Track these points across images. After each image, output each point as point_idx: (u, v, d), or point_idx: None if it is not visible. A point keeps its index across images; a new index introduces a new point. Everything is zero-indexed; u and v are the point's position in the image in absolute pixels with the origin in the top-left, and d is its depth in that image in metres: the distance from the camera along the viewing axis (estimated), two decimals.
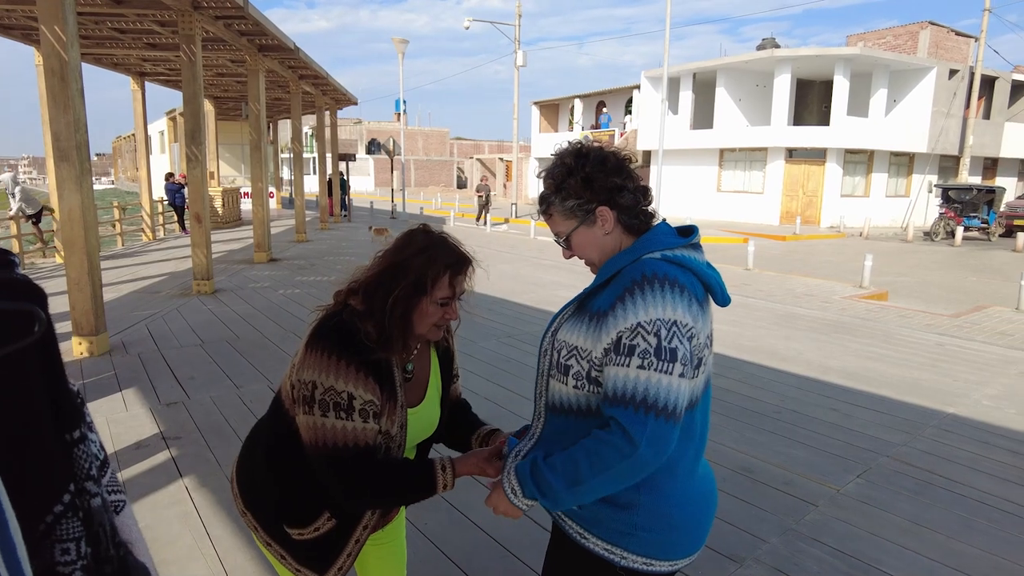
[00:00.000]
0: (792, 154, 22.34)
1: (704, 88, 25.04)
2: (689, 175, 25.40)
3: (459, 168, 57.61)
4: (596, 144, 1.36)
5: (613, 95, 30.71)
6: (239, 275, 10.39)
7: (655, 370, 1.14)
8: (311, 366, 1.35)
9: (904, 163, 23.84)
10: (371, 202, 30.35)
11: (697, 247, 1.33)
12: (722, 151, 24.15)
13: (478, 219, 20.91)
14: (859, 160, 22.62)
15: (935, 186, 21.73)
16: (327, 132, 20.35)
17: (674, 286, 1.19)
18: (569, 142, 1.39)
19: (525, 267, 11.70)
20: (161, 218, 17.61)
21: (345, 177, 22.82)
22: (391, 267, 1.42)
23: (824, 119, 22.60)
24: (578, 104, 32.23)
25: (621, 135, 28.23)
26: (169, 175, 18.28)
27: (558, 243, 1.40)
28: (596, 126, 30.48)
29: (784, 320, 7.66)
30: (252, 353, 5.83)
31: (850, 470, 3.64)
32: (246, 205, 21.89)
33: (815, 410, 4.57)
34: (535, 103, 35.07)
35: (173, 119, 25.69)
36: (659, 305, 1.17)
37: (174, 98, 21.22)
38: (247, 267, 11.30)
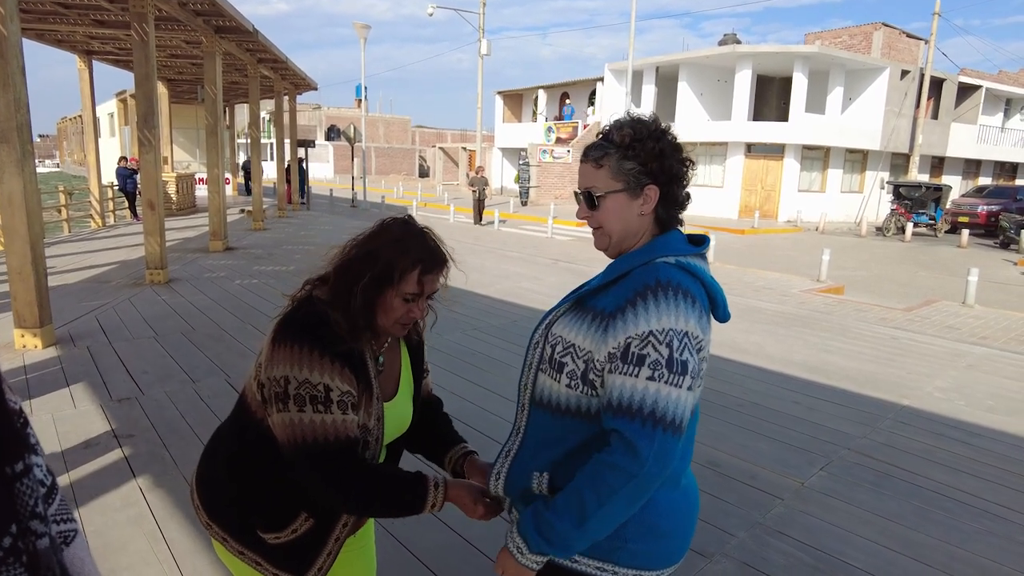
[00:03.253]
0: (751, 149, 22.76)
1: (667, 82, 25.27)
2: None
3: (421, 157, 57.01)
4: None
5: (577, 87, 30.75)
6: (194, 264, 10.05)
7: (665, 382, 1.10)
8: (281, 361, 1.28)
9: (858, 160, 24.53)
10: (331, 190, 29.79)
11: (705, 258, 1.29)
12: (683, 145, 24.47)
13: (479, 218, 18.49)
14: (816, 156, 23.18)
15: (887, 183, 22.41)
16: (286, 117, 19.83)
17: (687, 296, 1.15)
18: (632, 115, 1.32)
19: (489, 259, 11.63)
20: (112, 204, 16.93)
21: (304, 164, 22.31)
22: (362, 255, 1.37)
23: (783, 115, 23.08)
24: (542, 95, 32.17)
25: (584, 127, 28.31)
26: (121, 159, 17.58)
27: (580, 196, 1.31)
28: (560, 117, 30.48)
29: (744, 313, 7.78)
30: (208, 346, 5.63)
31: (813, 463, 3.70)
32: (201, 191, 21.23)
33: (778, 403, 4.65)
34: (499, 93, 34.89)
35: (124, 101, 24.70)
36: (672, 314, 1.13)
37: (124, 79, 20.43)
38: (203, 256, 10.94)
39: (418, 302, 1.39)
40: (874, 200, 24.44)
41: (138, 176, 17.00)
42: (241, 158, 29.88)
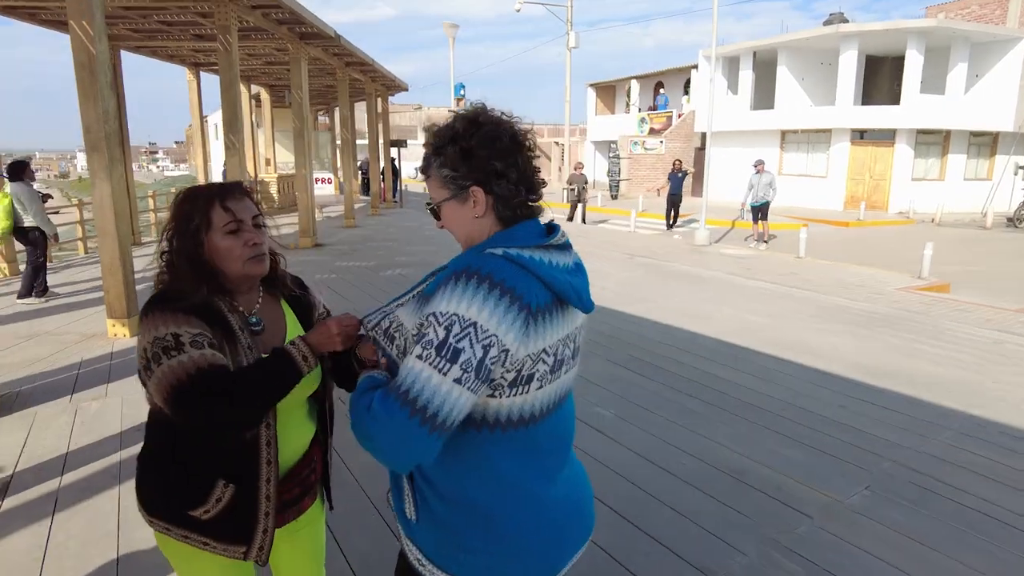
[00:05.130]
0: (859, 135, 21.14)
1: (765, 67, 23.95)
2: (749, 158, 24.52)
3: None
4: (504, 117, 1.23)
5: (671, 75, 29.81)
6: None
7: (429, 364, 1.06)
8: (139, 337, 1.38)
9: (986, 143, 22.16)
10: (424, 187, 30.56)
11: (559, 248, 1.22)
12: (784, 132, 23.10)
13: (572, 215, 17.61)
14: (933, 141, 21.17)
15: (1020, 168, 20.11)
16: (362, 118, 20.59)
17: (493, 286, 1.08)
18: (464, 108, 1.28)
19: None
20: None
21: (397, 163, 23.10)
22: (170, 226, 1.48)
23: (894, 98, 21.23)
24: (635, 85, 31.46)
25: (679, 116, 27.42)
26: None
27: (428, 207, 1.32)
28: (653, 108, 29.69)
29: (825, 312, 7.27)
30: None
31: (851, 477, 3.41)
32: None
33: (825, 409, 4.31)
34: (591, 85, 34.47)
35: None
36: (463, 300, 1.08)
37: None
38: (291, 252, 11.49)
39: (243, 229, 1.46)
40: (1005, 188, 22.00)
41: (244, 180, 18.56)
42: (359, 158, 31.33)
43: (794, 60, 22.83)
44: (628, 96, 32.37)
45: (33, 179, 7.06)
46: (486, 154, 1.18)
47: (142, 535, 2.78)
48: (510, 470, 1.19)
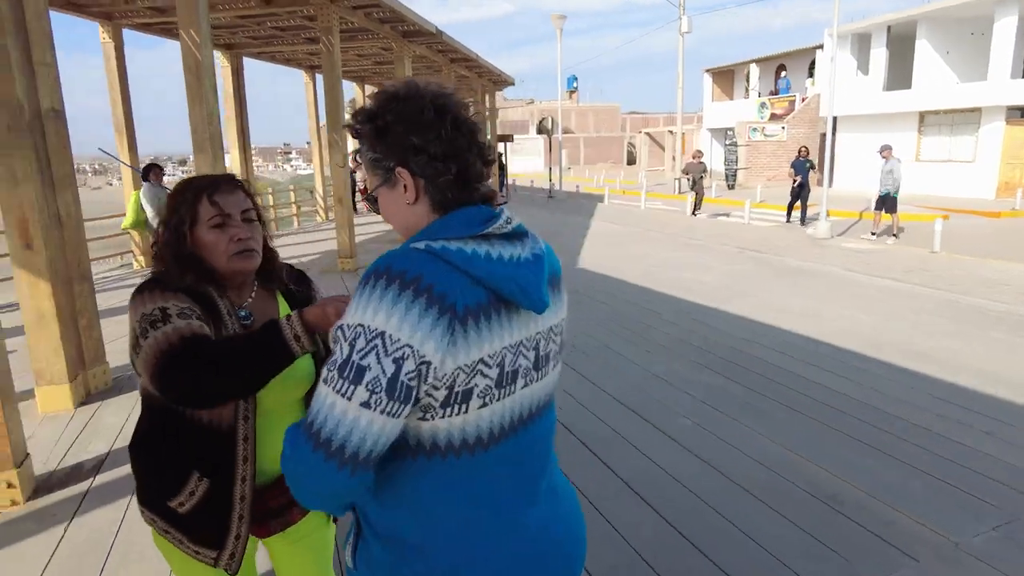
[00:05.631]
0: (1018, 113, 18.62)
1: (900, 43, 21.69)
2: (881, 143, 22.45)
3: (630, 144, 56.29)
4: (435, 88, 1.04)
5: (794, 57, 27.81)
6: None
7: (332, 388, 0.90)
8: (129, 321, 1.37)
9: None
10: (531, 181, 30.68)
11: (505, 238, 1.01)
12: (922, 114, 20.80)
13: (696, 208, 16.15)
14: None
15: None
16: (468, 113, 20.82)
17: (405, 287, 0.90)
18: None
19: (662, 246, 11.03)
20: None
21: (504, 159, 23.26)
22: (164, 222, 1.47)
23: None
24: (754, 69, 29.69)
25: (803, 100, 25.57)
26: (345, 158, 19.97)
27: (364, 198, 1.17)
28: (775, 92, 27.88)
29: (959, 315, 6.38)
30: None
31: (975, 513, 2.89)
32: None
33: (958, 431, 3.72)
34: (708, 70, 32.95)
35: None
36: (370, 307, 0.91)
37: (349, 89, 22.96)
38: (394, 246, 11.94)
39: (230, 223, 1.43)
40: None
41: (357, 175, 19.39)
42: None
43: (937, 32, 20.52)
44: (747, 81, 30.64)
45: (160, 180, 7.69)
46: (402, 129, 1.00)
47: None
48: (455, 504, 1.01)
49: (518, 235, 1.04)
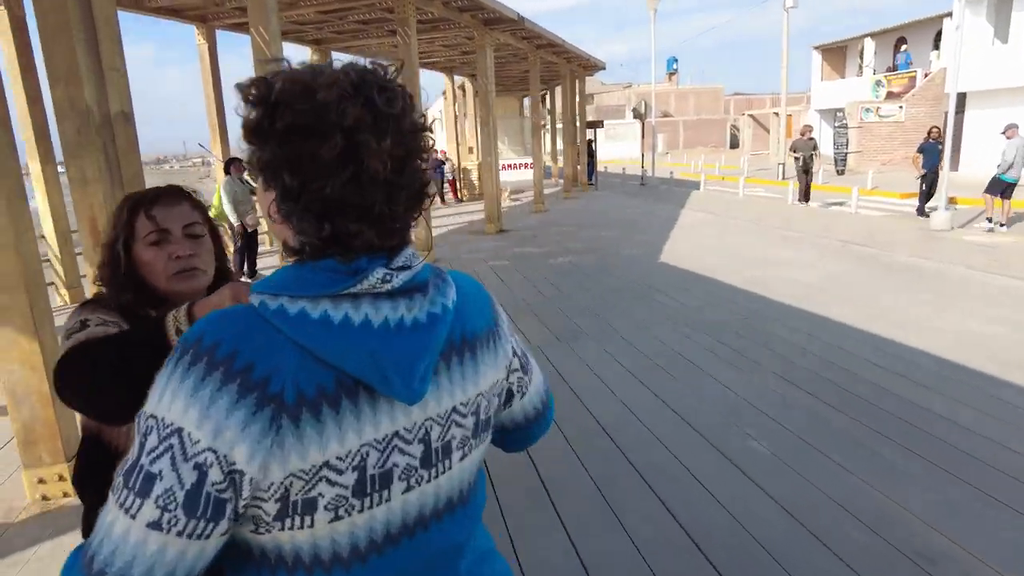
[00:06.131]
0: None
1: None
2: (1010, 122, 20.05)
3: (734, 126, 53.74)
4: (344, 70, 0.73)
5: (915, 29, 25.25)
6: (463, 246, 10.94)
7: (116, 500, 0.68)
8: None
9: None
10: (623, 168, 29.85)
11: (382, 297, 0.74)
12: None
13: (805, 195, 14.73)
14: None
15: None
16: (553, 100, 20.34)
17: (215, 368, 0.67)
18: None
19: (752, 239, 10.25)
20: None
21: (593, 145, 22.70)
22: (104, 241, 1.37)
23: None
24: (869, 44, 27.27)
25: (925, 75, 23.20)
26: (433, 151, 20.17)
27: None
28: (892, 68, 25.49)
29: None
30: None
31: None
32: (507, 176, 23.36)
33: None
34: (817, 47, 30.66)
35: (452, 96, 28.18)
36: (168, 393, 0.68)
37: (437, 80, 23.10)
38: (476, 238, 11.87)
39: (169, 240, 1.29)
40: None
41: (446, 166, 19.53)
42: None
43: None
44: (860, 57, 28.23)
45: (240, 173, 7.95)
46: (286, 152, 0.72)
47: None
48: None
49: (407, 291, 0.76)
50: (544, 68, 17.64)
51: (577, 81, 20.75)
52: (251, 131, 0.73)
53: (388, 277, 0.74)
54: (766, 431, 3.57)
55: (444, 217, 15.81)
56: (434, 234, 12.29)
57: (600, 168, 26.20)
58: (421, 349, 0.74)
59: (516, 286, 7.57)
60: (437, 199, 19.71)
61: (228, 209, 7.81)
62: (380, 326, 0.72)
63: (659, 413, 3.86)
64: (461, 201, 20.17)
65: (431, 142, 0.82)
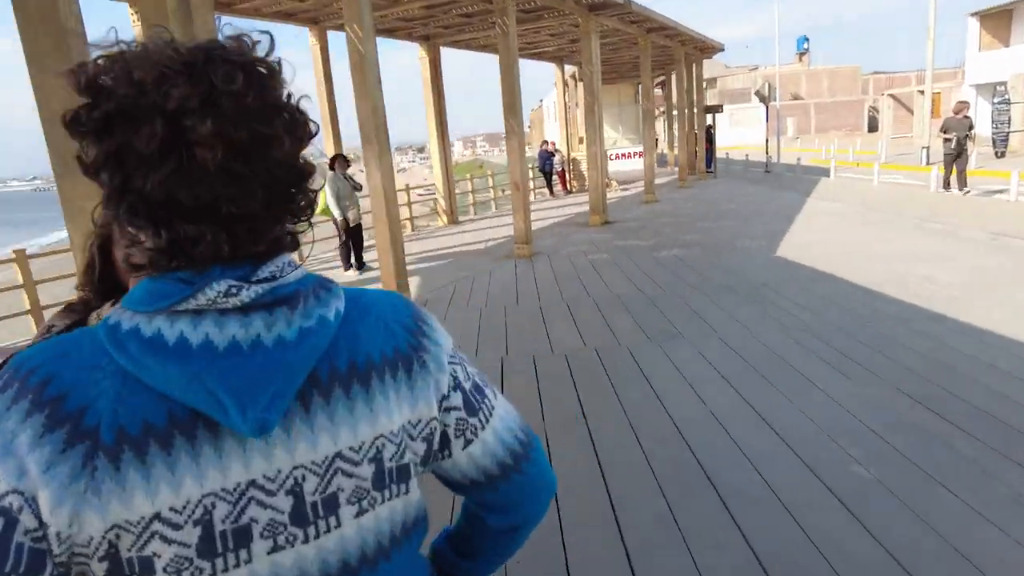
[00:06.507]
0: None
1: None
2: None
3: (872, 108, 49.28)
4: (207, 75, 0.58)
5: None
6: (565, 238, 10.73)
7: None
8: None
9: None
10: (746, 155, 28.20)
11: (235, 312, 0.61)
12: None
13: (959, 181, 12.89)
14: None
15: None
16: (670, 85, 19.42)
17: (23, 395, 0.57)
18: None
19: (889, 232, 9.19)
20: (532, 183, 19.48)
21: (712, 131, 21.59)
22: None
23: None
24: None
25: None
26: (544, 142, 20.06)
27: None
28: None
29: None
30: (517, 321, 5.88)
31: None
32: (618, 166, 22.84)
33: None
34: (974, 14, 27.25)
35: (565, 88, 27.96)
36: None
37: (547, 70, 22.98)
38: (578, 230, 11.62)
39: None
40: None
41: (555, 158, 19.34)
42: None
43: None
44: None
45: (344, 169, 8.24)
46: (84, 127, 0.59)
47: None
48: None
49: (267, 305, 0.62)
50: (658, 52, 16.95)
51: (694, 65, 19.80)
52: (68, 124, 0.60)
53: (234, 290, 0.60)
54: (874, 454, 3.10)
55: (550, 209, 15.68)
56: (537, 227, 12.20)
57: (721, 155, 24.92)
58: (272, 370, 0.60)
59: (613, 281, 7.27)
60: (545, 191, 19.62)
61: (332, 204, 8.11)
62: (228, 346, 0.60)
63: (752, 427, 3.48)
64: (570, 192, 19.93)
65: (306, 125, 0.66)
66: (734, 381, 4.11)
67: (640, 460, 3.18)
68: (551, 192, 19.27)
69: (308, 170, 0.66)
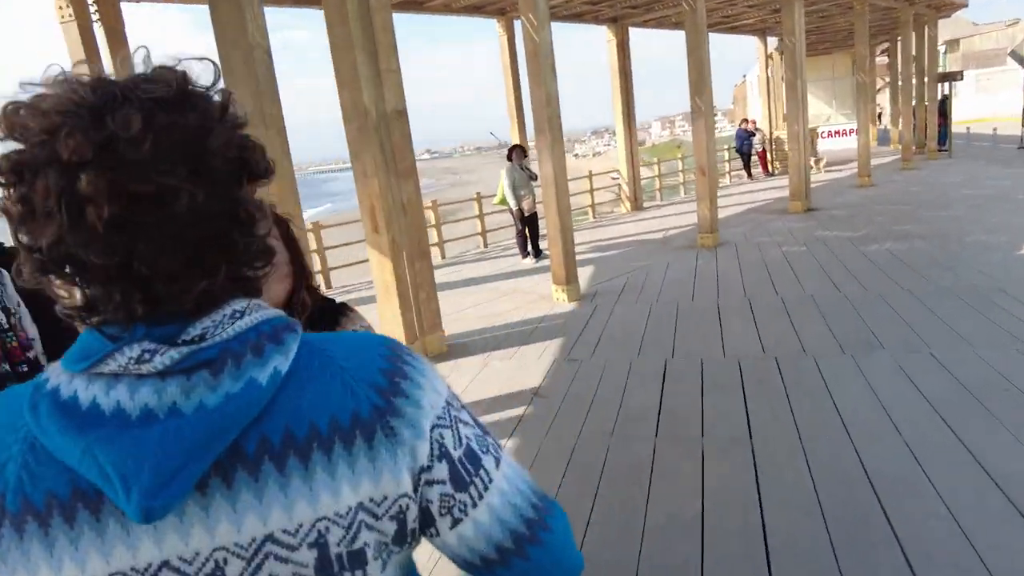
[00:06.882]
0: None
1: None
2: None
3: None
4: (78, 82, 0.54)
5: None
6: (758, 227, 9.86)
7: None
8: None
9: None
10: (994, 129, 23.72)
11: (153, 376, 0.55)
12: None
13: None
14: None
15: None
16: (895, 51, 16.77)
17: None
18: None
19: None
20: (727, 165, 18.26)
21: (948, 103, 18.46)
22: None
23: None
24: None
25: None
26: (743, 121, 18.66)
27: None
28: None
29: None
30: (687, 320, 5.51)
31: None
32: (829, 145, 20.58)
33: None
34: None
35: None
36: None
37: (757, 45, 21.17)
38: (775, 218, 10.62)
39: None
40: None
41: (756, 138, 17.83)
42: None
43: None
44: None
45: (521, 159, 8.34)
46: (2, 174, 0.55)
47: None
48: None
49: (187, 369, 0.56)
50: (879, 16, 14.85)
51: (926, 27, 17.01)
52: None
53: (147, 355, 0.54)
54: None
55: (745, 194, 14.56)
56: (728, 214, 11.41)
57: (959, 130, 21.25)
58: (177, 445, 0.53)
59: (807, 278, 6.50)
60: (742, 173, 18.24)
61: (508, 194, 8.25)
62: (139, 415, 0.54)
63: (960, 471, 2.85)
64: (772, 175, 18.28)
65: (243, 164, 0.58)
66: (943, 409, 3.41)
67: (809, 498, 2.75)
68: (749, 175, 17.85)
69: (247, 215, 0.57)
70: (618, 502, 2.85)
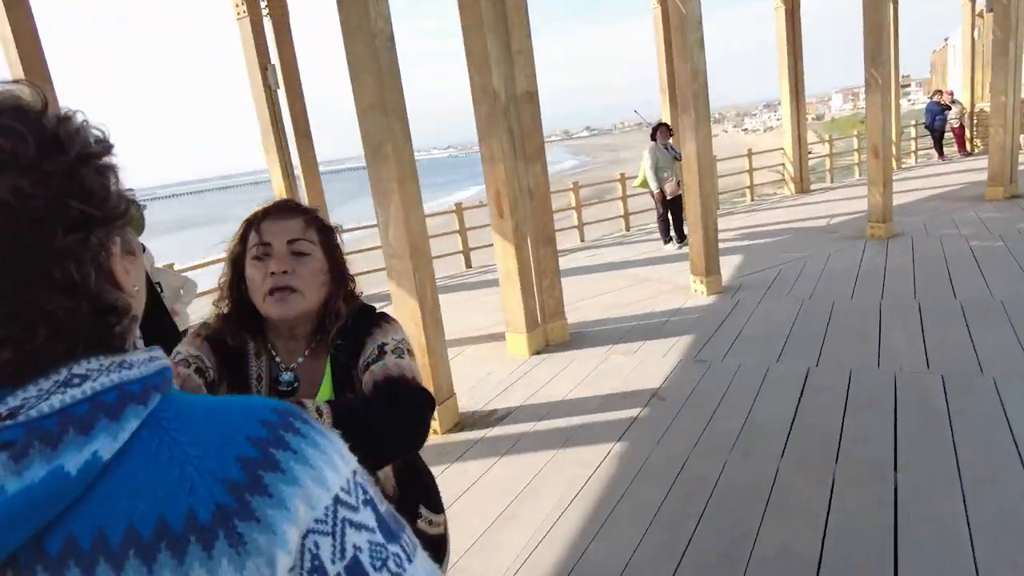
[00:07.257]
0: None
1: None
2: None
3: None
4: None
5: None
6: (943, 217, 8.57)
7: None
8: None
9: None
10: None
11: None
12: None
13: None
14: None
15: None
16: None
17: None
18: None
19: None
20: (913, 143, 16.09)
21: None
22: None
23: None
24: None
25: None
26: (936, 92, 16.32)
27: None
28: None
29: None
30: (846, 322, 4.90)
31: None
32: None
33: None
34: None
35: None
36: None
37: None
38: (968, 206, 9.17)
39: (271, 255, 1.21)
40: None
41: (951, 112, 15.41)
42: None
43: None
44: None
45: (666, 138, 7.89)
46: None
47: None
48: None
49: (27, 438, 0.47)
50: None
51: None
52: None
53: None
54: None
55: (932, 177, 12.75)
56: (909, 199, 10.09)
57: None
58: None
59: (998, 279, 5.51)
60: (932, 152, 15.93)
61: (649, 175, 7.87)
62: None
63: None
64: (970, 155, 15.77)
65: (65, 210, 0.49)
66: (977, 440, 2.72)
67: (961, 552, 2.30)
68: (940, 154, 15.56)
69: (64, 275, 0.49)
70: (726, 526, 2.59)
